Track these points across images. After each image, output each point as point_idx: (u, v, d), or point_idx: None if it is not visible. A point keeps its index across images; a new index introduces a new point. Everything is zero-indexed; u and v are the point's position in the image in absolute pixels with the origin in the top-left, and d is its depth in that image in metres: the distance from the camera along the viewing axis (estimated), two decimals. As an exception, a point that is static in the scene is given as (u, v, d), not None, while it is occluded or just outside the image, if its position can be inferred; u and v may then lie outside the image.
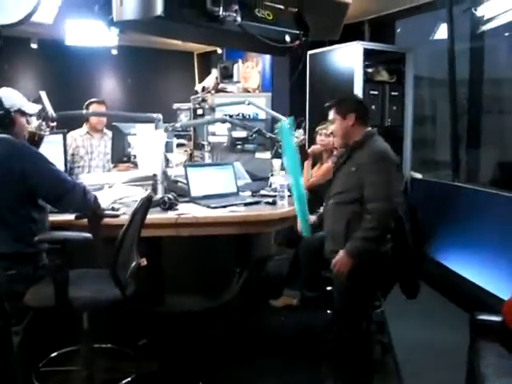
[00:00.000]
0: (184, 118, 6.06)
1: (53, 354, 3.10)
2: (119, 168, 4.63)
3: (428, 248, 4.88)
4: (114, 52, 7.61)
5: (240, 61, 5.49)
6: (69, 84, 7.29)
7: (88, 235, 2.59)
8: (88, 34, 5.64)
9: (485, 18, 4.26)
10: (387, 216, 2.89)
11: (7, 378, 2.81)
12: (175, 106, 6.11)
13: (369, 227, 2.86)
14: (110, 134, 5.09)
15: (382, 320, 4.06)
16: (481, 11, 4.30)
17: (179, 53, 8.52)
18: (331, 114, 3.12)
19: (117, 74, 8.52)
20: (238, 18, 3.35)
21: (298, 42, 3.76)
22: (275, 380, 3.32)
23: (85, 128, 5.08)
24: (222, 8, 3.28)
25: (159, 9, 2.58)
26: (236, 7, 3.36)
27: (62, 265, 2.53)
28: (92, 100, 5.07)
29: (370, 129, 3.07)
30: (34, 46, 7.23)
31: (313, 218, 3.42)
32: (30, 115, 2.91)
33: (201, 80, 8.46)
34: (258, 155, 4.64)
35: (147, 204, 2.75)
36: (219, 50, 7.35)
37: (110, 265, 2.59)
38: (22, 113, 2.82)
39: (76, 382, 2.81)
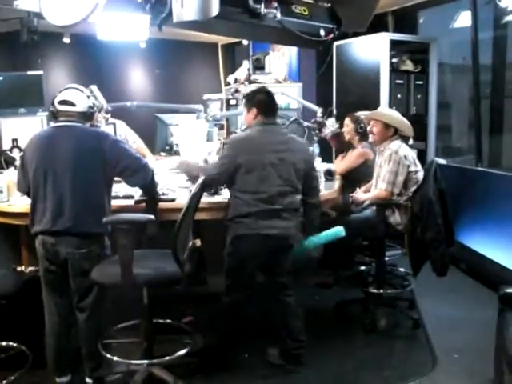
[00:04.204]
0: (214, 109, 6.28)
1: (115, 327, 3.35)
2: None
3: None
4: (143, 45, 7.81)
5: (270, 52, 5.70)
6: (99, 77, 7.47)
7: (151, 217, 2.84)
8: (120, 28, 5.84)
9: (509, 9, 4.42)
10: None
11: (72, 350, 3.10)
12: (205, 96, 6.32)
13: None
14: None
15: (412, 297, 4.33)
16: (504, 2, 4.47)
17: (204, 44, 8.65)
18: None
19: (145, 67, 8.70)
20: (278, 15, 3.59)
21: (331, 36, 3.99)
22: (310, 353, 3.48)
23: None
24: (263, 5, 3.52)
25: (215, 10, 2.81)
26: (275, 4, 3.59)
27: (128, 244, 2.78)
28: None
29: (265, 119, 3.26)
30: (66, 40, 7.44)
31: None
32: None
33: (225, 70, 8.66)
34: (290, 143, 4.85)
35: (202, 189, 3.00)
36: (245, 42, 7.48)
37: (170, 245, 2.81)
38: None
39: (137, 352, 3.08)
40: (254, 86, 5.78)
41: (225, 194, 3.54)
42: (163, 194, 3.44)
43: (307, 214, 3.33)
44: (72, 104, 3.01)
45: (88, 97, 3.10)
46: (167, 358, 3.09)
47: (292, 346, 3.32)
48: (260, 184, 3.13)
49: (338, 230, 3.35)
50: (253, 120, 3.28)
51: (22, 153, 3.30)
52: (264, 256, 3.24)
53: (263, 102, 3.27)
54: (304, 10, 3.81)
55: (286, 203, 3.16)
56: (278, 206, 3.13)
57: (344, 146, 4.75)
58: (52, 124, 3.12)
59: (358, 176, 4.47)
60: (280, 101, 5.23)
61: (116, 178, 3.12)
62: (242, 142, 3.24)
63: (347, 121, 4.69)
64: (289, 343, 3.32)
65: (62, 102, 3.02)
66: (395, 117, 3.99)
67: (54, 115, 3.07)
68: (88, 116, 3.09)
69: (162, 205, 3.28)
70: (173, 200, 3.34)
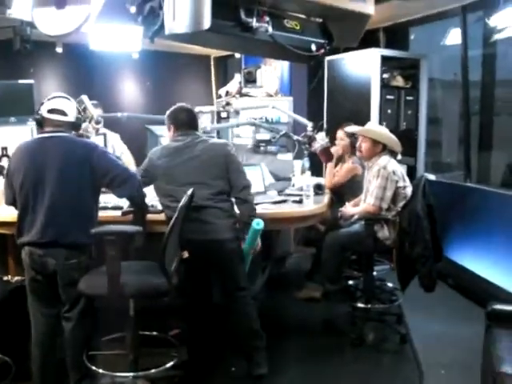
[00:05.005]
0: (205, 121, 6.27)
1: (101, 339, 3.32)
2: None
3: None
4: (135, 56, 7.80)
5: (262, 66, 5.72)
6: (91, 87, 7.45)
7: (139, 228, 2.83)
8: (112, 39, 5.84)
9: (498, 28, 4.48)
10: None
11: (56, 361, 3.07)
12: (197, 108, 6.28)
13: None
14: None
15: (399, 312, 4.32)
16: (493, 21, 4.53)
17: (197, 56, 8.66)
18: None
19: (137, 78, 8.69)
20: (270, 29, 3.62)
21: (322, 51, 4.02)
22: (298, 367, 3.55)
23: None
24: (254, 19, 3.55)
25: (207, 23, 2.83)
26: (267, 18, 3.62)
27: (116, 255, 2.77)
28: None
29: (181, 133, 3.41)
30: (59, 50, 7.42)
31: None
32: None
33: (217, 83, 8.68)
34: (280, 157, 4.89)
35: (191, 201, 3.00)
36: (237, 55, 7.50)
37: (157, 257, 2.79)
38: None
39: (122, 364, 3.05)
40: (244, 99, 5.85)
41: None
42: (152, 206, 3.43)
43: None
44: (64, 113, 2.99)
45: (77, 107, 3.10)
46: (153, 370, 3.06)
47: (247, 350, 3.36)
48: (171, 186, 3.22)
49: (255, 222, 3.25)
50: (172, 136, 3.44)
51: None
52: (202, 261, 3.32)
53: (178, 120, 3.43)
54: (296, 25, 3.84)
55: (203, 203, 3.19)
56: (194, 204, 3.15)
57: (331, 160, 4.75)
58: (38, 134, 3.08)
59: (346, 191, 4.48)
60: (271, 114, 5.28)
61: (104, 189, 3.11)
62: (155, 152, 3.41)
63: (341, 134, 4.69)
64: (246, 348, 3.38)
65: (53, 111, 2.98)
66: (384, 133, 4.02)
67: (40, 123, 3.04)
68: (76, 126, 3.08)
69: (150, 216, 3.28)
70: (161, 211, 3.33)
